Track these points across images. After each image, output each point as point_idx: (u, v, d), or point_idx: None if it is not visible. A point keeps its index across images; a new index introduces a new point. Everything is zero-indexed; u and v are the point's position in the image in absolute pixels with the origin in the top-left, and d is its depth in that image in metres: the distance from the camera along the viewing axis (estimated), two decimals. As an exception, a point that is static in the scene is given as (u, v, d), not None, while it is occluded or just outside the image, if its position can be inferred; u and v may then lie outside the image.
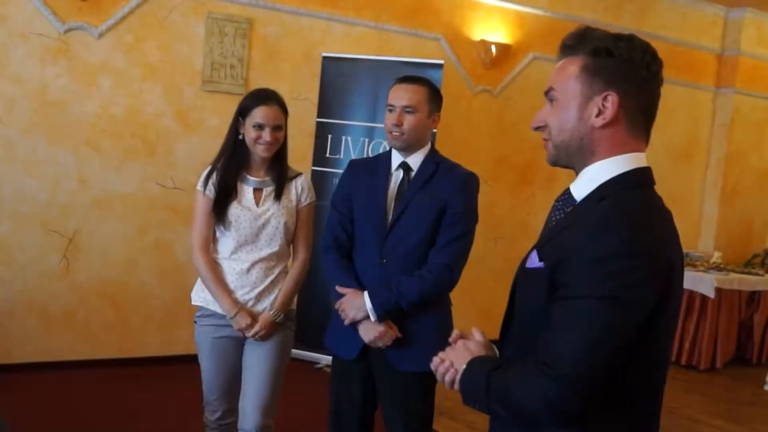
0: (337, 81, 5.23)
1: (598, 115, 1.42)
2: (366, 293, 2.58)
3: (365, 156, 5.03)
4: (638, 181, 1.43)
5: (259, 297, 2.82)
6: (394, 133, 2.63)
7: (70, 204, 4.74)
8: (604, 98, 1.41)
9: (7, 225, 4.59)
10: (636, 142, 1.44)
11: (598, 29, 1.47)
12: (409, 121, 2.61)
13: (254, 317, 2.79)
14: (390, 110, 2.64)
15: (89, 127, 4.75)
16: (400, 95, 2.63)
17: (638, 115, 1.42)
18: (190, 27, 5.00)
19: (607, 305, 1.28)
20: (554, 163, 1.51)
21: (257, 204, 2.81)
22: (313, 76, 5.37)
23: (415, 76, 2.72)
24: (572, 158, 1.47)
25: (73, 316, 4.82)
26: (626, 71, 1.40)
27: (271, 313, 2.81)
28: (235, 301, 2.78)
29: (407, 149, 2.67)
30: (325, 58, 5.26)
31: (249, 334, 2.78)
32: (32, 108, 4.59)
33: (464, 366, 1.50)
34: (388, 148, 2.77)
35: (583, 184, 1.46)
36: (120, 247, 4.92)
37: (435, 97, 2.68)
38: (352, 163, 2.84)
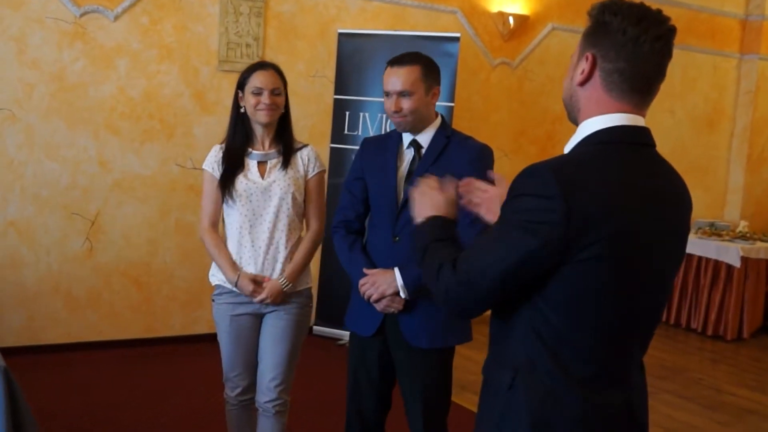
0: (354, 57, 5.19)
1: (582, 74, 1.55)
2: (396, 270, 2.56)
3: (383, 132, 4.99)
4: (612, 137, 1.50)
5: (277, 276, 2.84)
6: (396, 119, 2.60)
7: (91, 187, 4.78)
8: (586, 58, 1.53)
9: (30, 209, 4.64)
10: (617, 103, 1.51)
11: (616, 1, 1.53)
12: (407, 104, 2.56)
13: (258, 282, 2.80)
14: (387, 95, 2.60)
15: (108, 110, 4.77)
16: (393, 80, 2.57)
17: (616, 77, 1.50)
18: (205, 7, 4.98)
19: (512, 228, 1.45)
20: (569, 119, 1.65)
21: (262, 177, 2.83)
22: (330, 53, 5.34)
23: (406, 55, 2.63)
24: (570, 116, 1.62)
25: (97, 297, 4.87)
26: (603, 34, 1.50)
27: (280, 281, 2.82)
28: (236, 267, 2.80)
29: (414, 129, 2.64)
30: (341, 34, 5.22)
31: (256, 300, 2.80)
32: (50, 92, 4.61)
33: (421, 220, 1.72)
34: None
35: (571, 140, 1.58)
36: (142, 229, 4.95)
37: (430, 71, 2.61)
38: (365, 141, 2.83)
